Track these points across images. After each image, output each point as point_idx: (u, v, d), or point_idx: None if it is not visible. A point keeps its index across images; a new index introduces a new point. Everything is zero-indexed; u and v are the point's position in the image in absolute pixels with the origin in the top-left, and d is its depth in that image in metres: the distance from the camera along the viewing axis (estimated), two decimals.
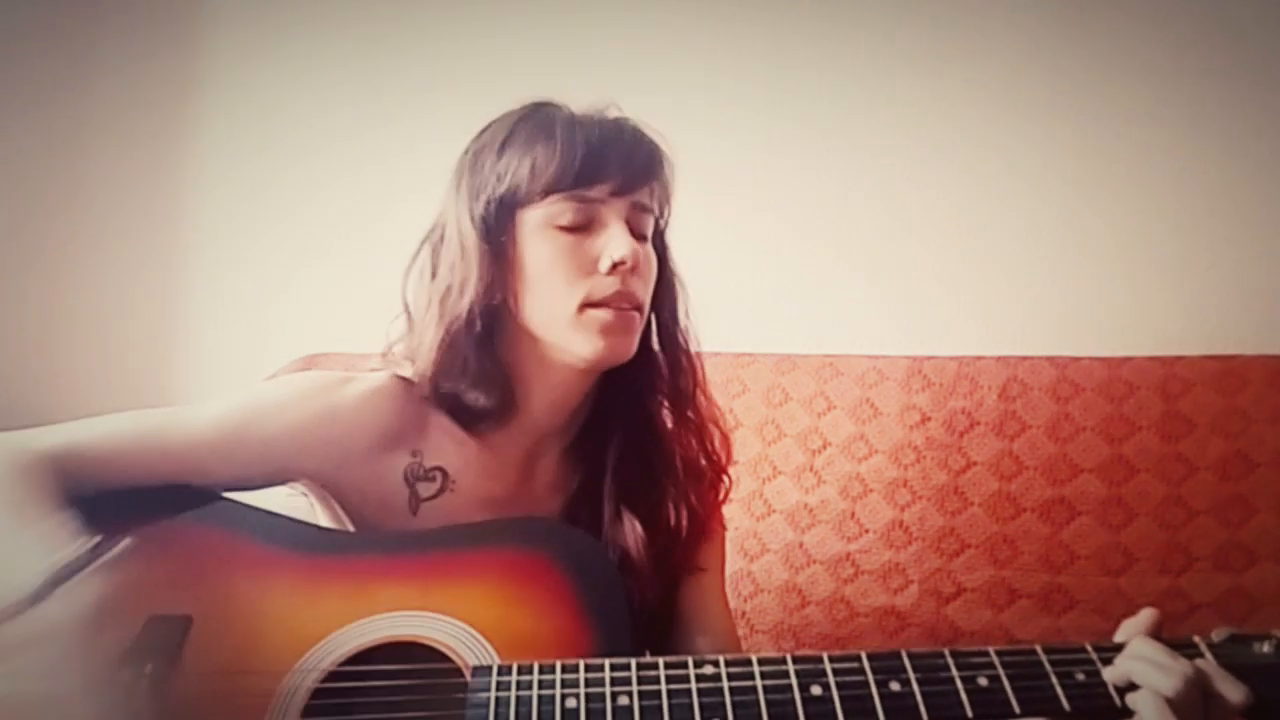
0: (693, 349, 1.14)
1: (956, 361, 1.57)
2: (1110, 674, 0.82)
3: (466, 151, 1.09)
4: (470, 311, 1.02)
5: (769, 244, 1.83)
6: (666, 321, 1.12)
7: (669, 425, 1.14)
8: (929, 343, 1.68)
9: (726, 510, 1.22)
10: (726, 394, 1.59)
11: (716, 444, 1.16)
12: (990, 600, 1.44)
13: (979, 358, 1.57)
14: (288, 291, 1.97)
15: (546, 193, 1.01)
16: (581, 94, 1.09)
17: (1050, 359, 1.55)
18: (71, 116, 2.02)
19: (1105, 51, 1.74)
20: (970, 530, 1.47)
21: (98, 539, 0.83)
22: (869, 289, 1.79)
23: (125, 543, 0.84)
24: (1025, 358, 1.56)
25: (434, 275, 1.07)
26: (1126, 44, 1.73)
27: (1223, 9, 1.69)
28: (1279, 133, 1.67)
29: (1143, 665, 0.81)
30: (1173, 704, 0.78)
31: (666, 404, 1.13)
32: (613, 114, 1.08)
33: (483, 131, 1.09)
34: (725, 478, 1.19)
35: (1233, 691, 0.79)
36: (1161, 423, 1.47)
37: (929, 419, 1.53)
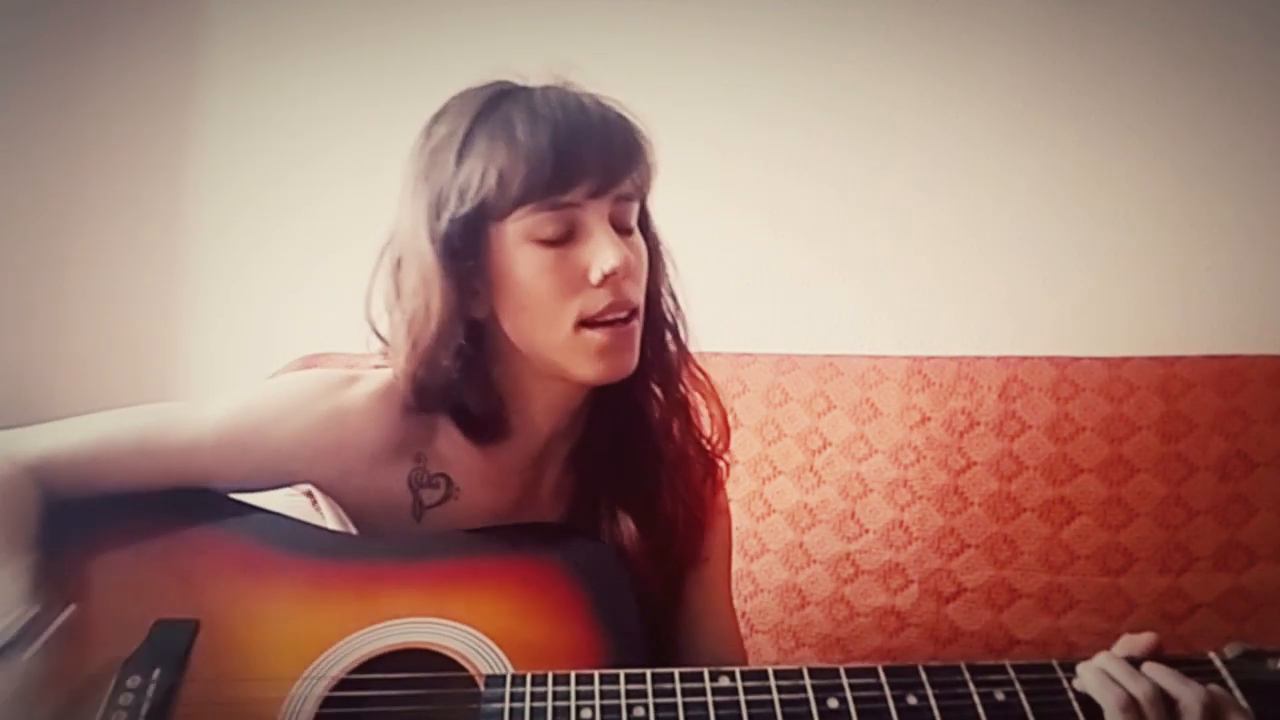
0: (679, 324, 1.06)
1: (956, 361, 1.57)
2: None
3: (419, 149, 0.97)
4: (441, 336, 0.94)
5: (769, 244, 1.82)
6: (651, 294, 1.01)
7: (657, 413, 1.07)
8: (929, 343, 1.68)
9: None
10: (726, 394, 1.56)
11: (709, 427, 1.10)
12: (990, 600, 1.44)
13: (979, 358, 1.57)
14: (289, 291, 1.96)
15: (519, 204, 0.91)
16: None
17: (1050, 359, 1.55)
18: (74, 120, 2.01)
19: (1104, 51, 1.73)
20: (970, 530, 1.47)
21: (34, 611, 0.80)
22: (869, 289, 1.79)
23: (63, 616, 0.82)
24: (1025, 358, 1.56)
25: (398, 296, 0.99)
26: (1126, 44, 1.73)
27: (1222, 10, 1.69)
28: (1278, 133, 1.67)
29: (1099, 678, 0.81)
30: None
31: (655, 384, 1.06)
32: (574, 90, 0.97)
33: (435, 123, 0.98)
34: (721, 462, 1.12)
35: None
36: (1161, 423, 1.47)
37: (929, 419, 1.53)
